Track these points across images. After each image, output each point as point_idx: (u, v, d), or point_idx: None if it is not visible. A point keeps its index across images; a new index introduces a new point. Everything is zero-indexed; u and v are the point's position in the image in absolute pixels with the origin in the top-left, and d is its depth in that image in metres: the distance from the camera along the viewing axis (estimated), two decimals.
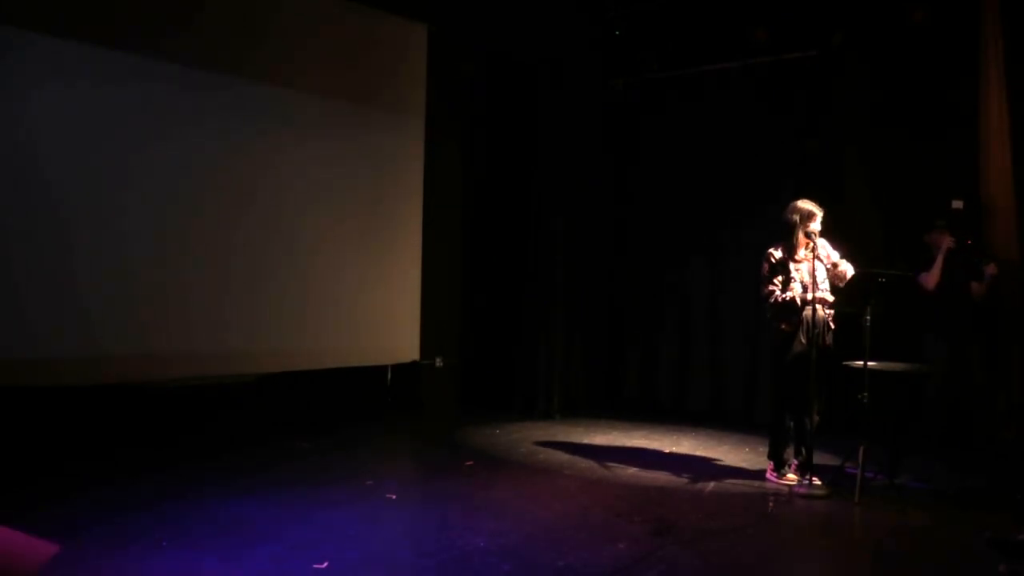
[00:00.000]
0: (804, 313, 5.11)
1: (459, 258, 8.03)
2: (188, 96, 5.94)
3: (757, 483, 5.25)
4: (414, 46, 7.44)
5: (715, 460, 5.92)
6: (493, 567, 3.63)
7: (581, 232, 8.05)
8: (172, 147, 5.87)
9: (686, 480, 5.29)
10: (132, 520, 4.11)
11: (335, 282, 6.86)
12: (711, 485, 5.19)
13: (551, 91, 7.84)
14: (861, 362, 5.02)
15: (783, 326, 5.19)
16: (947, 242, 5.91)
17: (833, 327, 5.25)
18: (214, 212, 6.11)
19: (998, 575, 3.64)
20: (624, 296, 8.34)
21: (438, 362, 7.72)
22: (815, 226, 5.14)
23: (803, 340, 5.13)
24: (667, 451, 6.22)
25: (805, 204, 5.21)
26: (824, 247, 5.21)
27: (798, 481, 5.17)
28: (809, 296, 5.09)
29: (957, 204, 6.08)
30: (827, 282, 5.23)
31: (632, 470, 5.53)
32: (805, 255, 5.18)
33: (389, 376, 7.43)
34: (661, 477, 5.36)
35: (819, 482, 5.10)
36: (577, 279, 8.02)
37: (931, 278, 5.96)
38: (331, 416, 6.81)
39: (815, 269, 5.11)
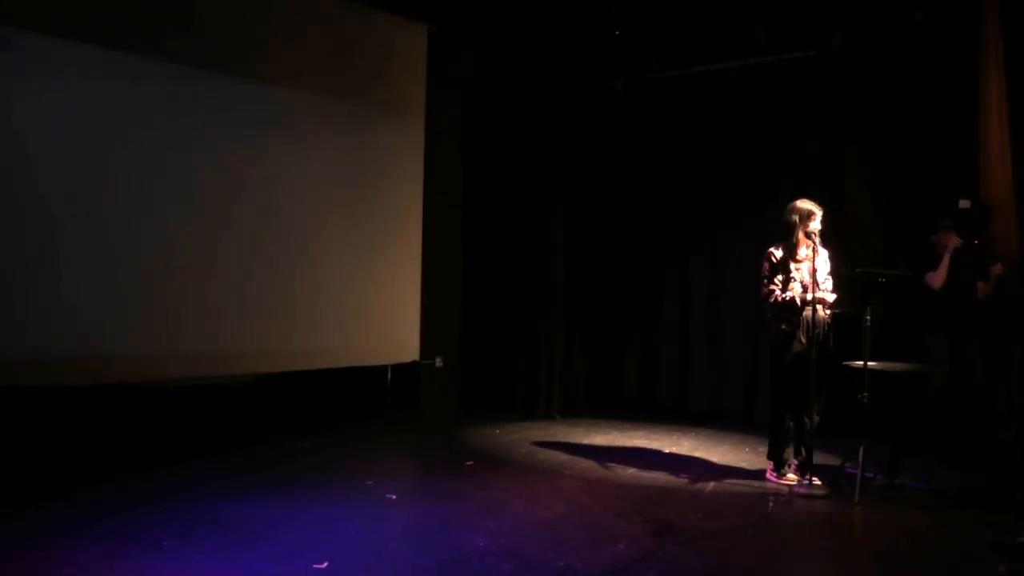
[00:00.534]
0: (804, 313, 5.11)
1: (459, 258, 8.03)
2: (188, 97, 5.94)
3: (757, 483, 5.25)
4: (414, 46, 7.44)
5: (715, 460, 5.92)
6: (493, 567, 3.63)
7: (581, 232, 8.05)
8: (173, 147, 5.87)
9: (686, 480, 5.29)
10: (132, 520, 4.11)
11: (335, 282, 6.86)
12: (711, 485, 5.19)
13: (551, 91, 7.84)
14: (861, 362, 5.02)
15: (783, 326, 5.19)
16: (954, 242, 5.90)
17: (830, 323, 5.25)
18: (214, 212, 6.11)
19: (998, 575, 3.64)
20: (624, 296, 8.34)
21: (438, 362, 7.73)
22: (815, 225, 5.14)
23: (803, 340, 5.13)
24: (667, 451, 6.22)
25: (804, 204, 5.21)
26: (823, 261, 5.21)
27: (798, 481, 5.17)
28: (809, 296, 5.08)
29: (964, 204, 6.07)
30: (828, 282, 5.23)
31: (632, 470, 5.53)
32: (806, 255, 5.18)
33: (389, 376, 7.43)
34: (661, 477, 5.36)
35: (819, 482, 5.10)
36: (577, 279, 8.02)
37: (938, 278, 5.94)
38: (331, 416, 6.81)
39: (815, 269, 5.11)
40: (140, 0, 5.74)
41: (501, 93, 8.11)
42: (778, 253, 5.22)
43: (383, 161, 7.21)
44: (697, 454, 6.12)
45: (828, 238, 5.29)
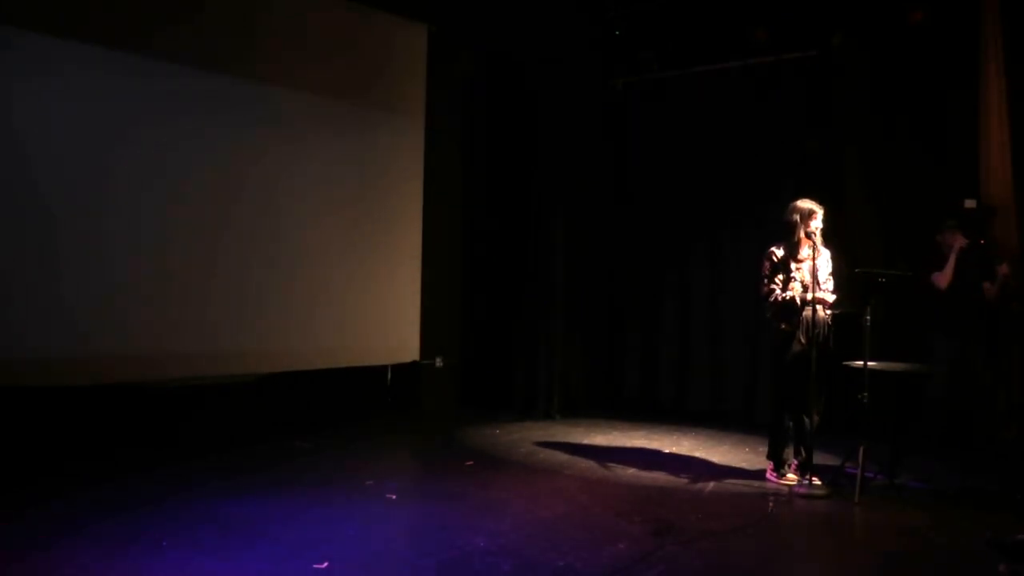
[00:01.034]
0: (804, 313, 5.11)
1: (459, 258, 8.04)
2: (188, 97, 5.95)
3: (757, 483, 5.25)
4: (414, 46, 7.44)
5: (715, 460, 5.92)
6: (493, 567, 3.63)
7: (581, 232, 8.05)
8: (173, 147, 5.88)
9: (686, 480, 5.29)
10: (132, 520, 4.11)
11: (335, 282, 6.86)
12: (711, 485, 5.19)
13: (551, 91, 7.84)
14: (861, 362, 5.02)
15: (783, 326, 5.19)
16: (960, 242, 5.88)
17: (830, 323, 5.25)
18: (214, 212, 6.12)
19: (998, 575, 3.64)
20: (624, 296, 8.34)
21: (438, 362, 7.73)
22: (816, 224, 5.14)
23: (803, 340, 5.13)
24: (667, 451, 6.22)
25: (805, 203, 5.21)
26: (824, 261, 5.21)
27: (798, 481, 5.17)
28: (809, 296, 5.08)
29: (970, 203, 6.06)
30: (829, 282, 5.23)
31: (632, 470, 5.53)
32: (807, 255, 5.18)
33: (389, 376, 7.43)
34: (661, 477, 5.36)
35: (819, 482, 5.10)
36: (577, 279, 8.02)
37: (944, 278, 5.91)
38: (331, 416, 6.81)
39: (816, 269, 5.11)
40: (140, 0, 5.75)
41: (501, 93, 8.11)
42: (779, 253, 5.22)
43: (383, 161, 7.21)
44: (697, 454, 6.12)
45: (828, 238, 5.28)
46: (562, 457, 5.91)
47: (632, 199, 8.28)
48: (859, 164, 6.91)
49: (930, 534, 4.32)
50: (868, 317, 5.01)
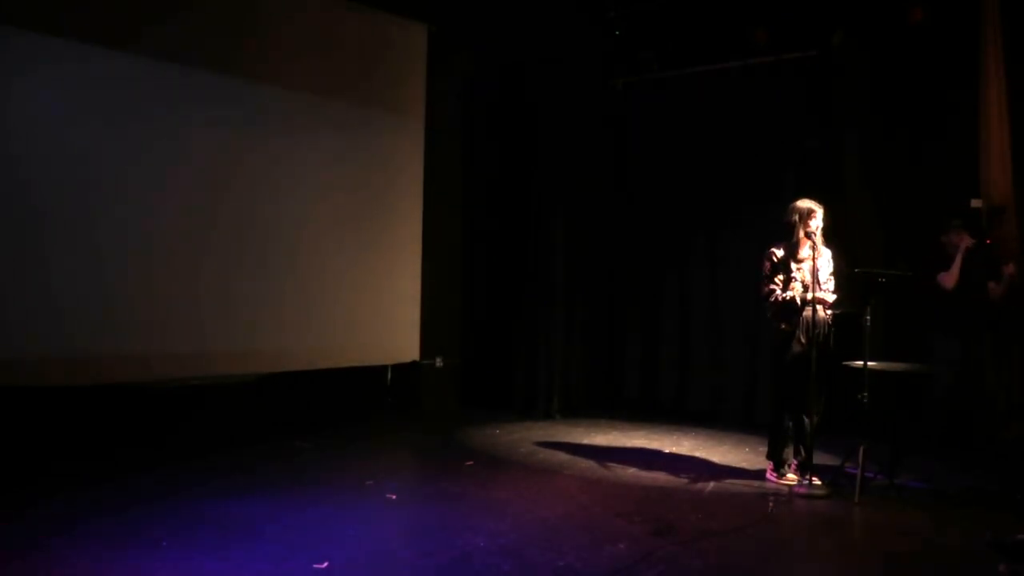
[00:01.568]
0: (804, 313, 5.11)
1: (459, 258, 8.04)
2: (187, 97, 5.95)
3: (757, 483, 5.25)
4: (414, 46, 7.44)
5: (715, 460, 5.92)
6: (493, 567, 3.63)
7: (581, 232, 8.05)
8: (172, 147, 5.88)
9: (686, 480, 5.29)
10: (132, 520, 4.12)
11: (335, 282, 6.86)
12: (711, 485, 5.19)
13: (551, 91, 7.84)
14: (861, 362, 5.02)
15: (783, 325, 5.19)
16: (966, 241, 5.86)
17: (831, 323, 5.25)
18: (213, 212, 6.12)
19: (998, 575, 3.64)
20: (624, 296, 8.33)
21: (438, 362, 7.73)
22: (816, 224, 5.14)
23: (803, 340, 5.13)
24: (667, 451, 6.22)
25: (804, 203, 5.21)
26: (826, 261, 5.21)
27: (798, 481, 5.17)
28: (809, 296, 5.09)
29: (976, 203, 6.04)
30: (830, 282, 5.22)
31: (632, 470, 5.53)
32: (807, 255, 5.17)
33: (389, 376, 7.43)
34: (661, 477, 5.36)
35: (819, 482, 5.10)
36: (577, 279, 8.02)
37: (950, 278, 5.89)
38: (331, 416, 6.81)
39: (816, 269, 5.11)
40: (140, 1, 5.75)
41: (501, 93, 8.11)
42: (779, 253, 5.22)
43: (383, 161, 7.21)
44: (697, 454, 6.12)
45: (829, 237, 5.28)
46: (562, 457, 5.91)
47: (632, 199, 8.28)
48: (859, 164, 6.91)
49: (930, 534, 4.33)
50: (868, 317, 5.01)
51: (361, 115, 7.03)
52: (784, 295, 5.14)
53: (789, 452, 5.30)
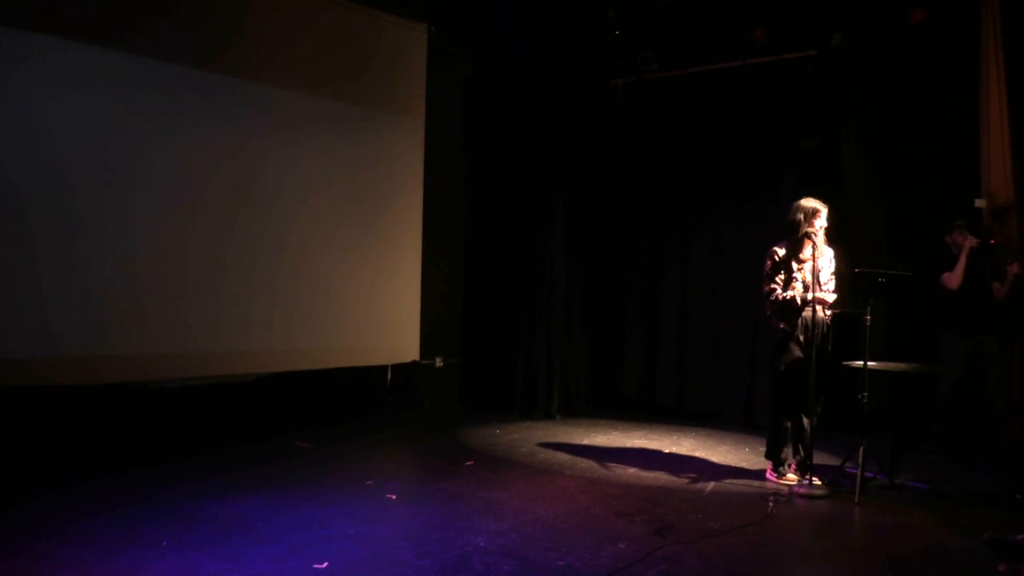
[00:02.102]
0: (804, 313, 5.11)
1: (459, 258, 8.04)
2: (187, 97, 5.95)
3: (757, 483, 5.25)
4: (414, 46, 7.45)
5: (715, 460, 5.92)
6: (493, 567, 3.63)
7: (581, 232, 8.05)
8: (171, 147, 5.88)
9: (686, 480, 5.29)
10: (131, 519, 4.11)
11: (335, 282, 6.87)
12: (711, 485, 5.19)
13: (551, 91, 7.83)
14: (861, 362, 5.02)
15: (781, 325, 5.19)
16: (970, 241, 5.85)
17: (830, 324, 5.25)
18: (214, 212, 6.12)
19: (998, 575, 3.64)
20: (624, 296, 8.33)
21: (438, 362, 7.73)
22: (819, 224, 5.13)
23: (802, 340, 5.13)
24: (667, 451, 6.22)
25: (809, 202, 5.20)
26: (828, 261, 5.21)
27: (798, 481, 5.17)
28: (810, 296, 5.08)
29: (980, 203, 6.03)
30: (831, 282, 5.22)
31: (632, 470, 5.53)
32: (809, 254, 5.17)
33: (389, 376, 7.44)
34: (661, 477, 5.36)
35: (819, 482, 5.09)
36: (577, 279, 8.02)
37: (954, 278, 5.88)
38: (331, 416, 6.81)
39: (818, 268, 5.11)
40: (140, 1, 5.75)
41: (501, 93, 8.11)
42: (781, 252, 5.22)
43: (383, 161, 7.21)
44: (697, 454, 6.12)
45: (830, 237, 5.28)
46: (562, 457, 5.91)
47: (633, 198, 8.28)
48: (859, 164, 6.91)
49: (930, 534, 4.33)
50: (868, 317, 5.00)
51: (361, 115, 7.04)
52: (785, 294, 5.14)
53: (788, 452, 5.30)
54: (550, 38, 7.71)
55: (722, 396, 7.66)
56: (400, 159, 7.35)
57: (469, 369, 8.02)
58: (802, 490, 5.04)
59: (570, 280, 7.95)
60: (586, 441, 6.52)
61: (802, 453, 5.20)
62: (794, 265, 5.17)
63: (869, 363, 5.02)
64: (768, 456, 5.37)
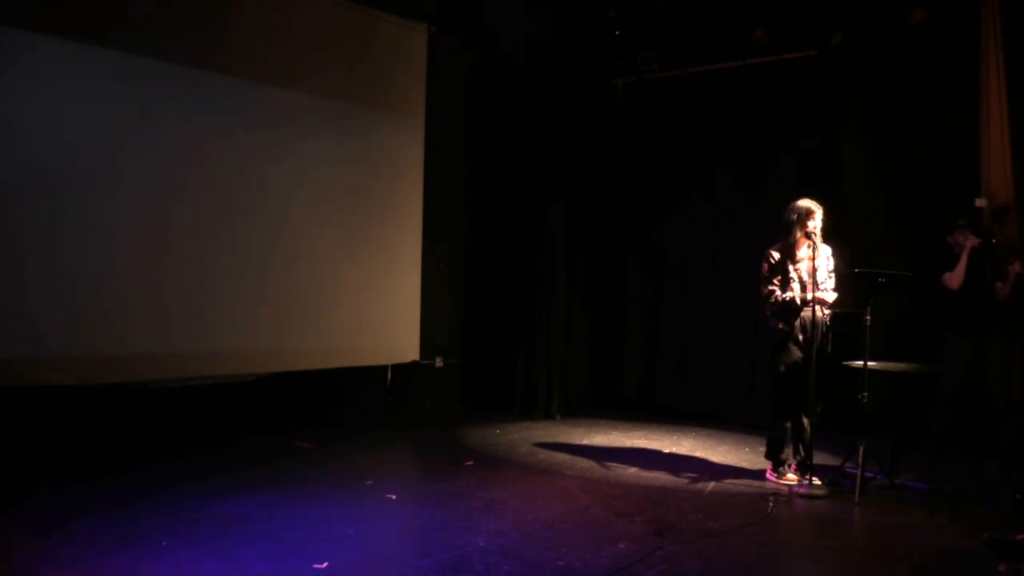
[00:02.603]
0: (803, 313, 5.11)
1: (459, 257, 8.03)
2: (187, 96, 5.95)
3: (757, 483, 5.25)
4: (414, 46, 7.44)
5: (715, 460, 5.92)
6: (493, 567, 3.63)
7: (582, 232, 8.05)
8: (171, 148, 5.88)
9: (686, 480, 5.29)
10: (132, 519, 4.12)
11: (335, 282, 6.86)
12: (711, 485, 5.19)
13: (551, 91, 7.83)
14: (861, 362, 5.02)
15: (781, 326, 5.19)
16: (971, 241, 5.84)
17: (829, 324, 5.25)
18: (214, 212, 6.12)
19: (998, 575, 3.64)
20: (624, 296, 8.33)
21: (438, 362, 7.72)
22: (814, 224, 5.13)
23: (801, 340, 5.13)
24: (667, 451, 6.22)
25: (804, 203, 5.20)
26: (826, 259, 5.20)
27: (798, 481, 5.17)
28: (808, 296, 5.08)
29: (980, 203, 6.03)
30: (829, 282, 5.22)
31: (632, 470, 5.54)
32: (805, 255, 5.17)
33: (389, 376, 7.43)
34: (661, 477, 5.36)
35: (819, 482, 5.09)
36: (577, 279, 8.02)
37: (955, 278, 5.87)
38: (331, 416, 6.81)
39: (815, 269, 5.11)
40: (140, 1, 5.74)
41: (501, 93, 8.11)
42: (776, 254, 5.22)
43: (383, 160, 7.21)
44: (697, 454, 6.12)
45: (828, 237, 5.28)
46: (562, 457, 5.91)
47: (633, 199, 8.28)
48: (859, 164, 6.91)
49: (930, 534, 4.33)
50: (868, 317, 5.00)
51: (361, 115, 7.03)
52: (784, 296, 5.14)
53: (788, 452, 5.30)
54: (550, 38, 7.70)
55: (722, 396, 7.66)
56: (400, 159, 7.35)
57: (469, 369, 8.01)
58: (802, 490, 5.05)
59: (570, 280, 7.95)
60: (586, 441, 6.52)
61: (802, 453, 5.20)
62: (790, 266, 5.17)
63: (869, 363, 5.02)
64: (768, 456, 5.37)
